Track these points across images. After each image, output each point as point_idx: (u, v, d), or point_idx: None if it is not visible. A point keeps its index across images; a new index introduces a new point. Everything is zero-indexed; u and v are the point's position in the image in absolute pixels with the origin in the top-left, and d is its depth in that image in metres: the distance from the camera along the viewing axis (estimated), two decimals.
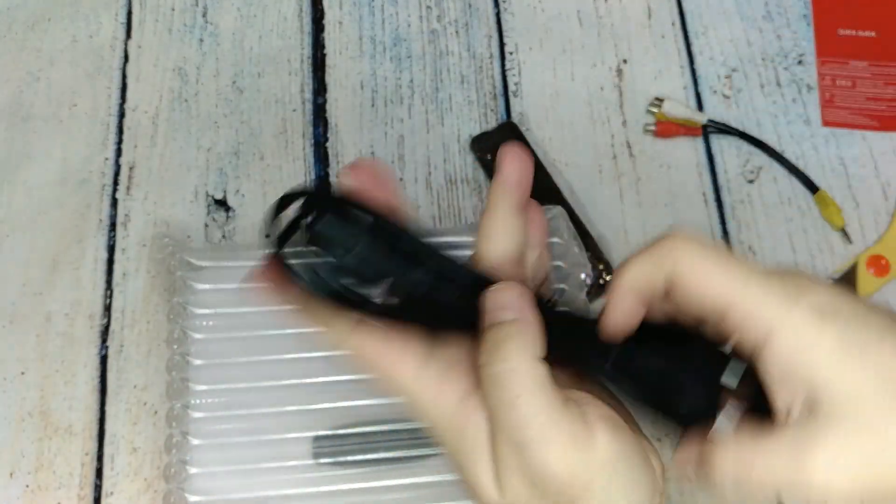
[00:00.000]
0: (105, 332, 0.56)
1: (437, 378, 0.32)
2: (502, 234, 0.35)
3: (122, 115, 0.62)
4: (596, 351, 0.33)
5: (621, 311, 0.33)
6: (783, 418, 0.30)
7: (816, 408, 0.30)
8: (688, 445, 0.33)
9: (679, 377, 0.33)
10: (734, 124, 0.61)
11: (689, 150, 0.61)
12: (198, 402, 0.52)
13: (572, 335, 0.33)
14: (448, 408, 0.32)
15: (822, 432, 0.30)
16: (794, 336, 0.30)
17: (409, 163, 0.61)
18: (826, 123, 0.62)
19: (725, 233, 0.58)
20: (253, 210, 0.59)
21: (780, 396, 0.30)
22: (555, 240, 0.55)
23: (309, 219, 0.33)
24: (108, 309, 0.57)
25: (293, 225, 0.33)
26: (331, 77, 0.64)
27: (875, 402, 0.29)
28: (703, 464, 0.32)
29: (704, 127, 0.61)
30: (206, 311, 0.54)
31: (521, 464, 0.30)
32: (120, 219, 0.59)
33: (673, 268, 0.32)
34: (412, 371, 0.33)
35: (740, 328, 0.31)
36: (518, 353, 0.31)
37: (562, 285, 0.54)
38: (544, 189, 0.59)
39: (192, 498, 0.50)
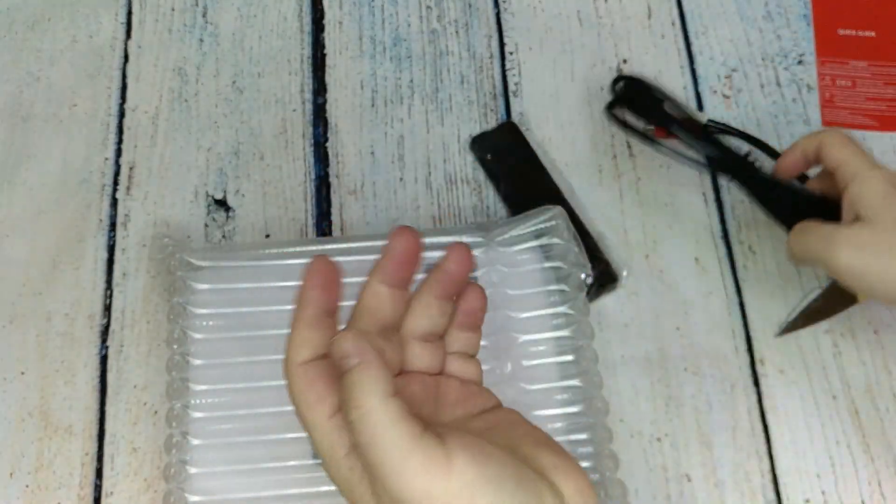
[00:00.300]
0: (105, 332, 0.56)
1: (338, 429, 0.36)
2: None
3: (122, 115, 0.62)
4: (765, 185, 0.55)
5: (791, 159, 0.53)
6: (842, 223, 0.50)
7: (858, 219, 0.48)
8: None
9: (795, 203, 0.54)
10: (734, 124, 0.61)
11: (689, 150, 0.61)
12: (198, 402, 0.51)
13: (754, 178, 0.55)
14: (340, 460, 0.36)
15: (848, 231, 0.48)
16: (863, 181, 0.49)
17: (409, 163, 0.61)
18: (826, 123, 0.62)
19: (725, 233, 0.58)
20: (253, 210, 0.59)
21: (846, 211, 0.49)
22: (555, 240, 0.55)
23: None
24: (108, 309, 0.57)
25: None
26: (331, 77, 0.64)
27: (887, 225, 0.47)
28: (789, 241, 0.52)
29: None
30: (206, 311, 0.54)
31: (390, 496, 0.33)
32: (120, 219, 0.59)
33: (820, 143, 0.52)
34: (322, 416, 0.36)
35: (842, 172, 0.50)
36: (367, 396, 0.33)
37: (562, 285, 0.54)
38: (544, 189, 0.59)
39: (192, 498, 0.50)
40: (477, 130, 0.62)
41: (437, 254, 0.56)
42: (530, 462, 0.35)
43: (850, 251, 0.47)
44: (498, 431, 0.38)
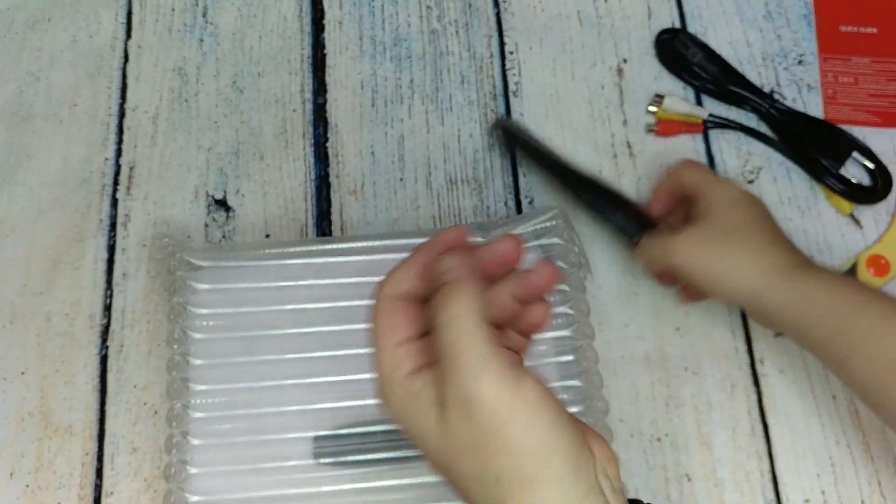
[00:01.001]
0: (105, 332, 0.56)
1: (404, 354, 0.38)
2: None
3: (122, 115, 0.62)
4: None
5: (659, 200, 0.57)
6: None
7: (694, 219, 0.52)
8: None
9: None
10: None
11: (689, 150, 0.61)
12: (198, 402, 0.52)
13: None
14: (399, 380, 0.38)
15: (683, 232, 0.51)
16: (714, 189, 0.53)
17: (409, 163, 0.61)
18: (829, 120, 0.62)
19: None
20: (253, 210, 0.59)
21: (693, 215, 0.53)
22: (554, 240, 0.55)
23: None
24: (108, 309, 0.57)
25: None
26: (331, 77, 0.64)
27: (717, 221, 0.51)
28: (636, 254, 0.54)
29: (705, 123, 0.61)
30: (206, 311, 0.54)
31: (459, 395, 0.35)
32: (120, 219, 0.59)
33: (676, 173, 0.55)
34: (392, 342, 0.39)
35: (699, 189, 0.53)
36: (462, 302, 0.36)
37: (562, 285, 0.54)
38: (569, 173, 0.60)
39: (192, 498, 0.50)
40: (477, 130, 0.62)
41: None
42: None
43: (683, 249, 0.51)
44: None
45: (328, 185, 0.60)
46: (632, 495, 0.52)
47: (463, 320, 0.35)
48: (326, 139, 0.62)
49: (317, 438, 0.51)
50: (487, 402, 0.35)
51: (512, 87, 0.63)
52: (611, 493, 0.37)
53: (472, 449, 0.35)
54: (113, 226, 0.59)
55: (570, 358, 0.53)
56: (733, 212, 0.52)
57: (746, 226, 0.51)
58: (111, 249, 0.58)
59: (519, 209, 0.59)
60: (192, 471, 0.50)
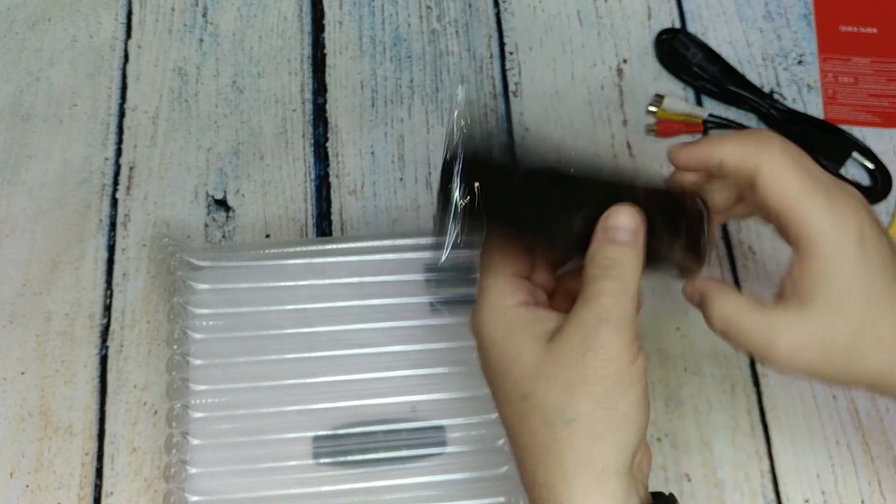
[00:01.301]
0: (105, 332, 0.56)
1: (516, 286, 0.41)
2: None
3: (122, 115, 0.62)
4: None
5: (694, 155, 0.42)
6: (780, 301, 0.40)
7: (811, 299, 0.39)
8: (697, 286, 0.43)
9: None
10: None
11: None
12: (198, 402, 0.52)
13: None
14: (506, 308, 0.40)
15: (801, 325, 0.39)
16: (831, 253, 0.39)
17: (409, 163, 0.61)
18: (829, 120, 0.62)
19: (725, 232, 0.58)
20: (253, 210, 0.59)
21: (794, 283, 0.40)
22: None
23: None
24: (108, 309, 0.57)
25: None
26: (331, 77, 0.64)
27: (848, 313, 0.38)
28: (704, 307, 0.41)
29: (705, 123, 0.61)
30: (206, 311, 0.54)
31: (586, 335, 0.38)
32: (120, 219, 0.59)
33: (757, 164, 0.40)
34: (507, 273, 0.41)
35: (794, 234, 0.40)
36: (627, 271, 0.38)
37: None
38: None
39: (192, 498, 0.50)
40: (477, 131, 0.62)
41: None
42: None
43: (793, 355, 0.39)
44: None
45: (328, 185, 0.60)
46: None
47: (625, 283, 0.38)
48: (326, 139, 0.62)
49: (316, 438, 0.51)
50: (614, 353, 0.37)
51: (512, 87, 0.63)
52: (639, 484, 0.39)
53: (567, 383, 0.38)
54: (113, 226, 0.59)
55: None
56: (860, 270, 0.38)
57: (878, 289, 0.38)
58: (111, 249, 0.58)
59: None
60: (192, 471, 0.50)
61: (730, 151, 0.40)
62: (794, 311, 0.39)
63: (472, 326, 0.41)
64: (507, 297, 0.40)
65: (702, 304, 0.41)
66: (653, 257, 0.40)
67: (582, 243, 0.40)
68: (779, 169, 0.39)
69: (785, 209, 0.39)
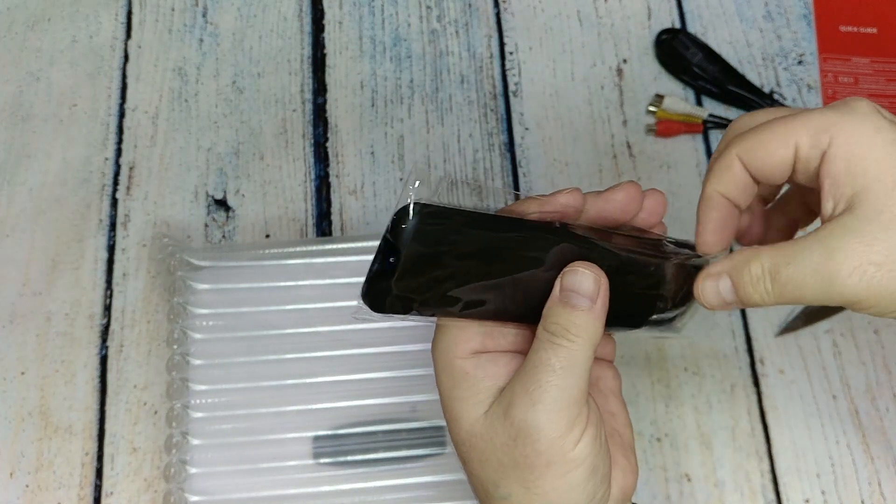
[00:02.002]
0: (105, 332, 0.56)
1: (463, 331, 0.36)
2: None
3: (122, 115, 0.62)
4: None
5: (713, 228, 0.37)
6: (826, 217, 0.33)
7: (856, 203, 0.32)
8: (720, 262, 0.36)
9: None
10: None
11: (689, 150, 0.61)
12: (198, 402, 0.52)
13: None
14: (455, 359, 0.36)
15: (853, 230, 0.32)
16: (854, 139, 0.33)
17: (409, 163, 0.61)
18: None
19: None
20: (253, 210, 0.59)
21: (827, 200, 0.33)
22: None
23: None
24: (108, 309, 0.57)
25: None
26: (331, 77, 0.64)
27: None
28: (736, 270, 0.34)
29: (705, 123, 0.61)
30: (206, 311, 0.54)
31: (522, 412, 0.34)
32: (120, 219, 0.59)
33: (738, 150, 0.35)
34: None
35: (810, 139, 0.34)
36: (581, 339, 0.34)
37: None
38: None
39: (192, 498, 0.50)
40: (477, 131, 0.62)
41: None
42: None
43: (862, 271, 0.32)
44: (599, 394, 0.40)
45: (328, 185, 0.60)
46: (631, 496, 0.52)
47: (574, 355, 0.34)
48: (326, 139, 0.62)
49: (316, 438, 0.51)
50: (545, 441, 0.34)
51: (512, 87, 0.63)
52: None
53: (499, 463, 0.35)
54: (113, 226, 0.59)
55: None
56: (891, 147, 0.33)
57: None
58: (111, 249, 0.58)
59: None
60: (192, 471, 0.50)
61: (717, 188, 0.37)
62: (838, 226, 0.32)
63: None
64: (456, 346, 0.36)
65: (734, 285, 0.35)
66: (619, 322, 0.37)
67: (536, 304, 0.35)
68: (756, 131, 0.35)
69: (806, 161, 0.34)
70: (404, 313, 0.34)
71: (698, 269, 0.37)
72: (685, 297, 0.38)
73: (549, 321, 0.34)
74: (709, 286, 0.36)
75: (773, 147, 0.34)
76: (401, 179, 0.60)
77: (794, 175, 0.35)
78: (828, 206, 0.33)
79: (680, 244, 0.39)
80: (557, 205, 0.36)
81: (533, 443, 0.34)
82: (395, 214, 0.34)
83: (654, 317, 0.38)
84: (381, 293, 0.35)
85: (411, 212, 0.33)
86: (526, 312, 0.35)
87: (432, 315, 0.35)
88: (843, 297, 0.32)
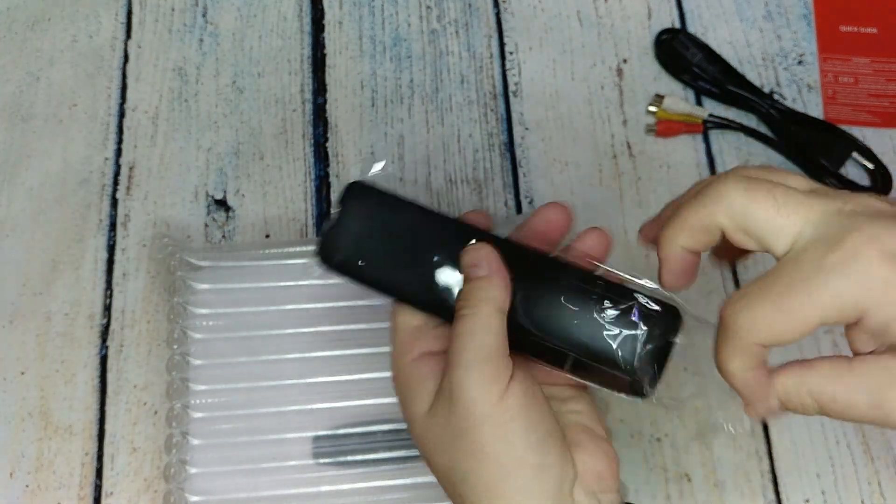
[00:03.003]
0: (105, 332, 0.56)
1: (418, 336, 0.39)
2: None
3: (122, 115, 0.62)
4: None
5: (676, 270, 0.38)
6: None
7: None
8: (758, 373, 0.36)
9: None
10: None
11: (689, 150, 0.61)
12: (198, 402, 0.52)
13: None
14: (407, 362, 0.39)
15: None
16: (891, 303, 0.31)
17: (409, 163, 0.61)
18: (829, 120, 0.62)
19: None
20: (253, 210, 0.59)
21: (868, 341, 0.33)
22: None
23: None
24: (108, 309, 0.57)
25: None
26: (331, 77, 0.64)
27: None
28: (787, 398, 0.35)
29: (705, 123, 0.61)
30: (206, 311, 0.54)
31: (450, 387, 0.36)
32: (120, 219, 0.59)
33: (727, 214, 0.34)
34: (409, 324, 0.39)
35: (839, 314, 0.33)
36: (480, 302, 0.37)
37: None
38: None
39: (192, 498, 0.50)
40: (477, 131, 0.62)
41: None
42: (564, 430, 0.38)
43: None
44: (556, 399, 0.40)
45: (328, 185, 0.60)
46: (632, 496, 0.52)
47: (478, 318, 0.36)
48: (326, 139, 0.62)
49: (316, 438, 0.51)
50: (470, 400, 0.35)
51: (512, 87, 0.63)
52: (602, 495, 0.37)
53: (447, 443, 0.36)
54: (113, 226, 0.59)
55: None
56: None
57: None
58: (111, 249, 0.58)
59: (519, 209, 0.59)
60: (192, 471, 0.50)
61: (693, 222, 0.36)
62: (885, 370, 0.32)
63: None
64: (406, 350, 0.39)
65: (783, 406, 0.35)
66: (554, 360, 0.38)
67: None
68: (753, 216, 0.34)
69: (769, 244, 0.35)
70: (339, 272, 0.40)
71: (665, 308, 0.38)
72: (659, 352, 0.38)
73: (458, 300, 0.38)
74: (756, 396, 0.36)
75: (794, 323, 0.34)
76: (400, 179, 0.60)
77: None
78: (863, 345, 0.33)
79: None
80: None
81: (463, 403, 0.35)
82: (346, 186, 0.41)
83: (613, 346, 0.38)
84: (324, 246, 0.40)
85: (354, 187, 0.41)
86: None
87: (373, 288, 0.40)
88: (891, 423, 0.33)
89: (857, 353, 0.34)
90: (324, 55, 0.65)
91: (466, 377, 0.35)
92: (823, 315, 0.32)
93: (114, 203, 0.60)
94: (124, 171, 0.61)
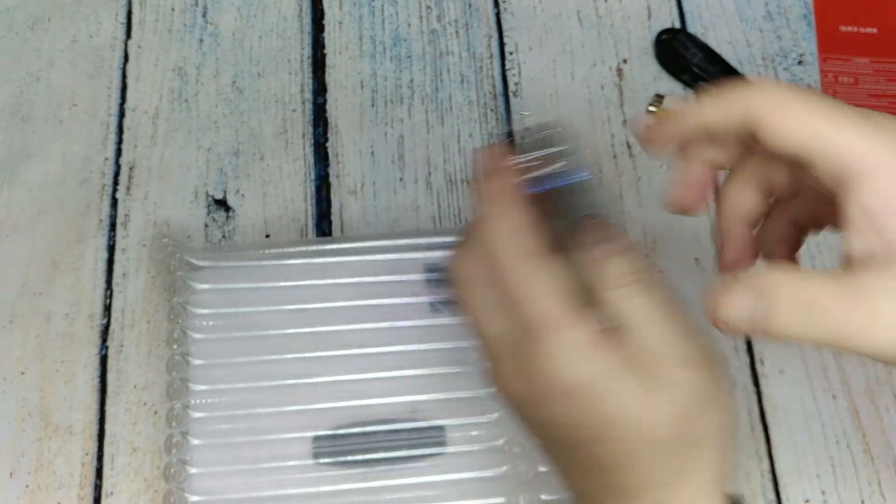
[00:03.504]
0: (105, 332, 0.56)
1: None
2: None
3: (122, 115, 0.62)
4: None
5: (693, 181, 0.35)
6: (857, 263, 0.30)
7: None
8: (737, 282, 0.31)
9: None
10: None
11: None
12: (198, 402, 0.52)
13: None
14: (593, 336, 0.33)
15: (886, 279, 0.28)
16: (891, 178, 0.29)
17: (409, 163, 0.61)
18: None
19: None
20: (253, 210, 0.59)
21: (861, 239, 0.29)
22: None
23: None
24: (108, 309, 0.57)
25: None
26: (331, 77, 0.64)
27: None
28: (759, 295, 0.30)
29: None
30: (206, 311, 0.54)
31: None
32: (120, 219, 0.59)
33: (748, 111, 0.31)
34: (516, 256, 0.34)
35: (828, 167, 0.30)
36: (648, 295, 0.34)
37: None
38: None
39: (192, 498, 0.50)
40: (477, 131, 0.62)
41: (437, 254, 0.56)
42: None
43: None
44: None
45: (328, 185, 0.60)
46: None
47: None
48: (326, 139, 0.62)
49: (316, 438, 0.51)
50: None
51: (512, 87, 0.63)
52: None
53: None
54: (113, 226, 0.59)
55: None
56: None
57: None
58: (111, 249, 0.58)
59: None
60: (192, 471, 0.50)
61: (712, 114, 0.33)
62: (880, 269, 0.29)
63: (558, 385, 0.32)
64: (591, 343, 0.32)
65: (765, 304, 0.30)
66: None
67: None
68: (783, 105, 0.31)
69: (805, 142, 0.30)
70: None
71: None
72: None
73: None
74: (730, 305, 0.32)
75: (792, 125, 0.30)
76: (400, 179, 0.60)
77: (804, 172, 0.31)
78: (858, 245, 0.30)
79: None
80: None
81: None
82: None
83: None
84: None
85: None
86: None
87: None
88: (872, 352, 0.29)
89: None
90: (324, 55, 0.65)
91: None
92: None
93: (114, 203, 0.60)
94: (124, 171, 0.61)
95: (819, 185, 0.31)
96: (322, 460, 0.51)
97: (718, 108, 0.33)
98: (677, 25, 0.65)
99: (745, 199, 0.35)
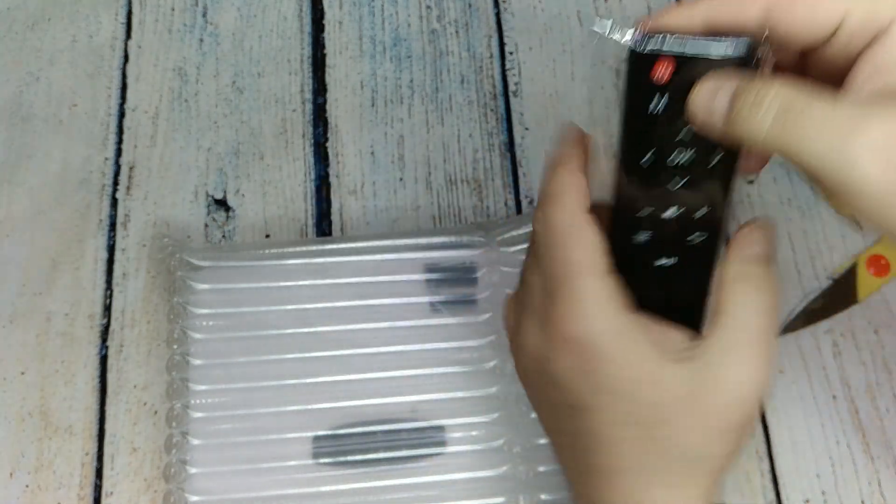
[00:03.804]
0: (105, 332, 0.56)
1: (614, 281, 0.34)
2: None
3: (122, 115, 0.62)
4: None
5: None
6: (856, 92, 0.29)
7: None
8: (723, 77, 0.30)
9: None
10: None
11: None
12: (198, 402, 0.52)
13: None
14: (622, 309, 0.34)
15: (881, 117, 0.26)
16: None
17: (409, 163, 0.61)
18: None
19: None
20: (253, 210, 0.59)
21: (870, 82, 0.29)
22: None
23: None
24: (108, 309, 0.57)
25: None
26: (331, 77, 0.64)
27: None
28: (746, 85, 0.29)
29: None
30: (206, 311, 0.54)
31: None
32: (120, 219, 0.59)
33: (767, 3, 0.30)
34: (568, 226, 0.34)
35: (860, 25, 0.29)
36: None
37: None
38: None
39: (192, 498, 0.50)
40: (477, 131, 0.62)
41: (437, 254, 0.56)
42: None
43: (882, 156, 0.26)
44: None
45: (328, 185, 0.60)
46: None
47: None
48: (326, 139, 0.62)
49: (316, 438, 0.51)
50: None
51: (512, 87, 0.63)
52: None
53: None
54: (113, 226, 0.59)
55: None
56: None
57: None
58: (111, 249, 0.58)
59: (519, 209, 0.59)
60: (192, 471, 0.50)
61: (725, 10, 0.32)
62: (866, 106, 0.27)
63: (569, 333, 0.32)
64: (614, 300, 0.32)
65: (733, 99, 0.30)
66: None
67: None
68: None
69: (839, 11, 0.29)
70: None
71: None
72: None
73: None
74: (707, 87, 0.31)
75: (820, 8, 0.29)
76: (400, 179, 0.60)
77: (822, 47, 0.30)
78: (861, 88, 0.29)
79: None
80: None
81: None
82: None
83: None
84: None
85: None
86: None
87: None
88: (849, 173, 0.27)
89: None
90: (324, 55, 0.65)
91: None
92: (849, 6, 0.29)
93: (114, 203, 0.60)
94: (124, 171, 0.61)
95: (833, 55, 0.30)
96: (322, 460, 0.51)
97: (732, 3, 0.31)
98: None
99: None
